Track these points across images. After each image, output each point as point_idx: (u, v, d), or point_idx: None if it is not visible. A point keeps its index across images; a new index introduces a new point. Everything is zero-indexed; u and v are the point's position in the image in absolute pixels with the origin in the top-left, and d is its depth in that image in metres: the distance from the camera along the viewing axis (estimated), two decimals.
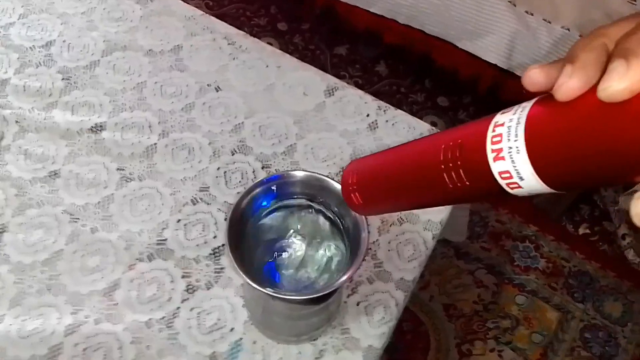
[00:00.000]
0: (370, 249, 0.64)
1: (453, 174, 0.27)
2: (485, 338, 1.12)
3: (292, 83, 0.78)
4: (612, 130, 0.20)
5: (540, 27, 1.07)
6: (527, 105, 0.24)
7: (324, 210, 0.49)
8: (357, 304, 0.60)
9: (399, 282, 0.62)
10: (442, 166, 0.27)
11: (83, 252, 0.61)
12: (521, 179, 0.23)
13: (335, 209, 0.48)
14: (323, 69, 0.82)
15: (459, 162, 0.26)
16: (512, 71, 1.15)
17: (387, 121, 0.75)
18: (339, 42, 1.61)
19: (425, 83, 1.53)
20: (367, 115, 0.76)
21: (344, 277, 0.42)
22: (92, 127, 0.71)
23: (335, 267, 0.49)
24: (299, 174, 0.47)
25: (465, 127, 0.28)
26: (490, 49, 1.13)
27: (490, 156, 0.24)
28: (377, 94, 0.80)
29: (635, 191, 0.20)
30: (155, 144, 0.70)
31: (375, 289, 0.62)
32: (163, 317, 0.57)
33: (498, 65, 1.15)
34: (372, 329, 0.59)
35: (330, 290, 0.42)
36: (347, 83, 0.80)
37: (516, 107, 0.24)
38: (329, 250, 0.50)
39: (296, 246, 0.50)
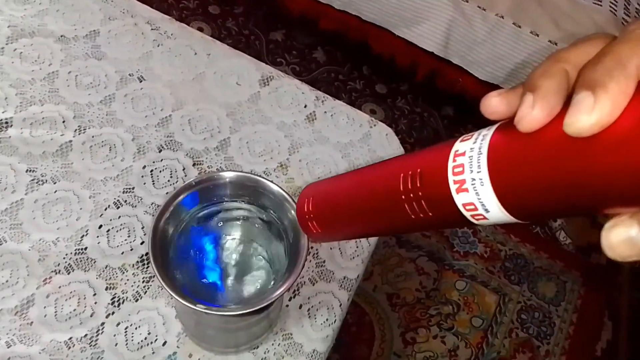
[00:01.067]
0: (312, 247, 0.61)
1: (414, 204, 0.25)
2: (428, 325, 1.14)
3: (224, 72, 0.73)
4: (580, 163, 0.19)
5: (475, 15, 1.08)
6: (487, 133, 0.22)
7: (259, 213, 0.45)
8: (300, 307, 0.57)
9: (342, 281, 0.60)
10: (403, 196, 0.26)
11: None
12: (487, 210, 0.22)
13: (272, 211, 0.45)
14: (258, 55, 0.78)
15: (419, 193, 0.25)
16: (448, 59, 1.15)
17: (325, 112, 0.72)
18: (275, 27, 1.55)
19: (363, 70, 1.51)
20: (305, 106, 0.72)
21: (283, 287, 0.39)
22: None
23: (274, 273, 0.46)
24: (231, 174, 0.43)
25: (424, 153, 0.26)
26: (426, 37, 1.13)
27: (453, 187, 0.23)
28: (315, 82, 0.77)
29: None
30: (70, 141, 0.63)
31: (317, 289, 0.59)
32: (85, 335, 0.52)
33: (435, 53, 1.15)
34: (315, 332, 0.56)
35: (269, 302, 0.39)
36: (284, 70, 0.76)
37: (476, 134, 0.23)
38: (268, 255, 0.46)
39: (232, 252, 0.46)
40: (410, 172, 0.25)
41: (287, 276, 0.41)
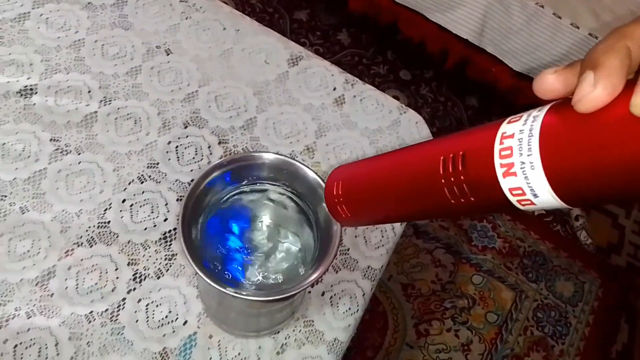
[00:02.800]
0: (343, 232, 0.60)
1: (455, 188, 0.24)
2: (443, 318, 1.12)
3: (252, 49, 0.71)
4: None
5: (513, 2, 1.04)
6: (538, 115, 0.21)
7: (292, 197, 0.43)
8: (322, 294, 0.56)
9: (366, 270, 0.58)
10: (443, 180, 0.25)
11: (11, 235, 0.53)
12: (535, 196, 0.21)
13: (305, 196, 0.43)
14: (282, 34, 0.75)
15: (462, 177, 0.24)
16: (482, 47, 1.12)
17: (354, 96, 0.70)
18: (299, 6, 1.52)
19: (387, 55, 1.48)
20: (334, 89, 0.70)
21: (313, 276, 0.38)
22: (21, 89, 0.62)
23: (302, 259, 0.44)
24: (269, 156, 0.42)
25: (466, 135, 0.25)
26: (461, 23, 1.09)
27: (500, 171, 0.22)
28: (338, 64, 0.74)
29: None
30: (95, 112, 0.62)
31: (340, 277, 0.57)
32: (106, 310, 0.51)
33: (469, 40, 1.11)
34: (337, 321, 0.55)
35: (298, 291, 0.37)
36: (307, 51, 0.74)
37: (525, 115, 0.22)
38: (297, 241, 0.45)
39: (261, 236, 0.44)
40: (451, 155, 0.24)
41: (317, 265, 0.39)
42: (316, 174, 0.42)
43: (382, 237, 0.61)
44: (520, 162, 0.21)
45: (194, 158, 0.61)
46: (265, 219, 0.45)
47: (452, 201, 0.25)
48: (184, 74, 0.67)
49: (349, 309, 0.56)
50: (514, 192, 0.22)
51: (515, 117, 0.22)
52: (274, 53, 0.72)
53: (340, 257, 0.59)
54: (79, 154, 0.59)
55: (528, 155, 0.21)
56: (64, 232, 0.54)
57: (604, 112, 0.19)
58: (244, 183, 0.44)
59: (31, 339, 0.49)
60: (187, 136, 0.63)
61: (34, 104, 0.61)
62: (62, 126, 0.60)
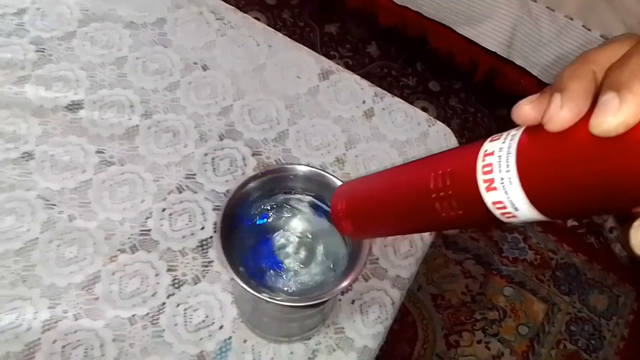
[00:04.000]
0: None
1: (445, 202, 0.26)
2: (473, 329, 1.12)
3: (284, 64, 0.74)
4: (606, 162, 0.19)
5: (543, 15, 1.04)
6: (516, 134, 0.23)
7: (325, 207, 0.45)
8: (352, 302, 0.57)
9: (395, 279, 0.59)
10: (433, 195, 0.26)
11: (59, 241, 0.56)
12: (516, 209, 0.23)
13: None
14: (312, 47, 0.78)
15: (450, 192, 0.26)
16: (511, 60, 1.12)
17: (383, 109, 0.72)
18: (330, 19, 1.55)
19: (417, 66, 1.49)
20: (363, 102, 0.72)
21: (344, 283, 0.39)
22: (68, 104, 0.66)
23: (334, 267, 0.46)
24: (302, 168, 0.44)
25: (454, 153, 0.27)
26: (489, 36, 1.10)
27: (482, 186, 0.24)
28: (367, 76, 0.76)
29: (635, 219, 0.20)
30: (137, 125, 0.65)
31: (370, 286, 0.59)
32: (147, 314, 0.54)
33: (497, 52, 1.11)
34: (366, 328, 0.56)
35: (328, 298, 0.39)
36: (337, 64, 0.76)
37: (505, 134, 0.24)
38: (329, 249, 0.46)
39: (294, 244, 0.46)
40: (440, 172, 0.26)
41: (348, 273, 0.41)
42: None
43: (411, 247, 0.62)
44: (500, 178, 0.23)
45: (228, 169, 0.64)
46: (298, 228, 0.47)
47: (443, 214, 0.26)
48: (220, 88, 0.70)
49: (379, 317, 0.57)
50: (497, 206, 0.23)
51: (497, 136, 0.24)
52: (305, 67, 0.74)
53: (370, 266, 0.60)
54: (122, 165, 0.62)
55: (507, 171, 0.22)
56: (108, 239, 0.57)
57: (570, 132, 0.20)
58: (277, 194, 0.46)
59: (78, 340, 0.52)
60: (222, 148, 0.65)
61: (81, 117, 0.65)
62: (106, 139, 0.64)
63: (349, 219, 0.34)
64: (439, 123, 0.73)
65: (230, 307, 0.55)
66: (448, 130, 0.73)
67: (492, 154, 0.23)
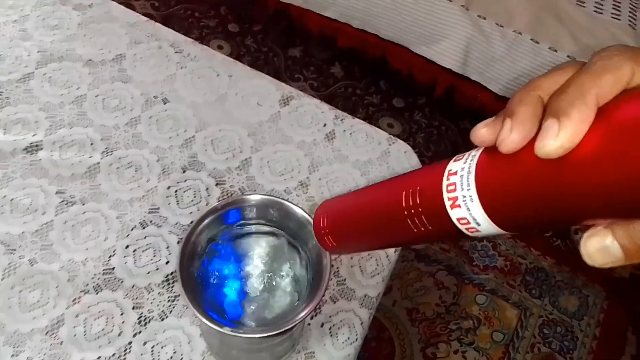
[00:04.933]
0: (332, 265, 0.62)
1: (416, 219, 0.28)
2: (449, 340, 1.13)
3: (245, 93, 0.75)
4: (551, 182, 0.21)
5: (493, 32, 1.08)
6: (476, 154, 0.25)
7: (283, 234, 0.46)
8: (321, 325, 0.58)
9: (363, 299, 0.60)
10: (405, 212, 0.28)
11: (21, 287, 0.56)
12: (478, 224, 0.25)
13: (295, 233, 0.46)
14: (277, 72, 0.79)
15: (419, 209, 0.27)
16: (467, 76, 1.16)
17: (344, 131, 0.73)
18: (293, 43, 1.58)
19: (380, 84, 1.52)
20: (324, 125, 0.73)
21: (306, 311, 0.40)
22: (27, 146, 0.65)
23: (298, 293, 0.46)
24: (256, 197, 0.45)
25: (423, 172, 0.29)
26: (445, 54, 1.13)
27: (447, 204, 0.25)
28: (333, 97, 0.78)
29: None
30: (98, 163, 0.65)
31: (339, 308, 0.59)
32: (114, 354, 0.53)
33: (453, 70, 1.15)
34: (337, 350, 0.57)
35: (291, 325, 0.40)
36: (302, 86, 0.77)
37: (467, 154, 0.26)
38: (291, 275, 0.47)
39: (257, 272, 0.47)
40: (410, 190, 0.28)
41: (310, 299, 0.42)
42: (304, 211, 0.44)
43: (377, 265, 0.63)
44: (462, 196, 0.25)
45: (192, 200, 0.64)
46: (260, 257, 0.47)
47: (415, 230, 0.28)
48: (182, 121, 0.71)
49: (348, 338, 0.58)
50: (461, 222, 0.25)
51: (460, 156, 0.26)
52: (266, 95, 0.75)
53: (338, 287, 0.61)
54: (84, 204, 0.62)
55: (467, 189, 0.24)
56: (71, 281, 0.57)
57: (520, 153, 0.22)
58: (237, 224, 0.46)
59: None
60: (185, 180, 0.66)
61: (40, 159, 0.65)
62: (67, 178, 0.63)
63: (331, 235, 0.36)
64: (399, 141, 0.75)
65: (199, 340, 0.55)
66: (408, 147, 0.75)
67: (455, 173, 0.25)
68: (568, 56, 1.03)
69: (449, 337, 1.13)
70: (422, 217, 0.27)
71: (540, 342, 1.16)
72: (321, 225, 0.36)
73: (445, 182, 0.26)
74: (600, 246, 0.21)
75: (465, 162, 0.25)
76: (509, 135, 0.22)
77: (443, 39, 1.12)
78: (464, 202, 0.24)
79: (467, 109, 1.28)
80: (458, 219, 0.25)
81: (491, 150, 0.24)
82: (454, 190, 0.25)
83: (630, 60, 0.21)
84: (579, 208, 0.20)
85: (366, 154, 0.72)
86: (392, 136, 0.75)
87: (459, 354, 1.12)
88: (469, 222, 0.25)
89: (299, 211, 0.45)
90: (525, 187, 0.22)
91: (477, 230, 0.25)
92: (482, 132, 0.24)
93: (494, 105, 1.16)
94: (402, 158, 0.73)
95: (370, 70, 1.52)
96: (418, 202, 0.27)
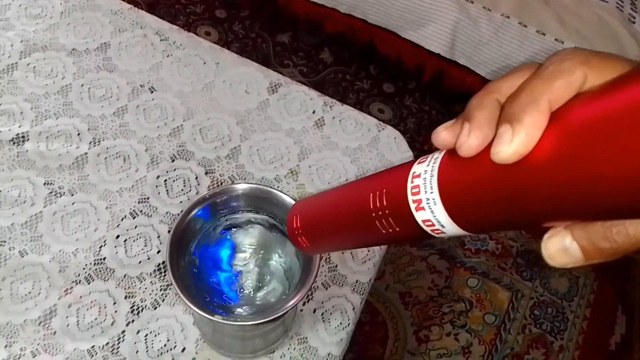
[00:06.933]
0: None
1: (383, 221, 0.28)
2: (441, 323, 1.14)
3: (233, 80, 0.74)
4: (507, 185, 0.21)
5: (481, 15, 1.08)
6: (438, 157, 0.25)
7: (273, 222, 0.46)
8: (314, 311, 0.58)
9: (355, 285, 0.61)
10: (373, 214, 0.28)
11: (12, 278, 0.56)
12: (442, 226, 0.25)
13: (285, 220, 0.46)
14: (266, 58, 0.79)
15: (386, 211, 0.27)
16: (455, 60, 1.15)
17: (333, 117, 0.73)
18: (281, 29, 1.56)
19: (370, 70, 1.52)
20: (313, 112, 0.73)
21: (296, 298, 0.40)
22: (13, 138, 0.65)
23: (289, 280, 0.47)
24: (244, 186, 0.45)
25: (389, 173, 0.29)
26: (432, 39, 1.13)
27: (412, 206, 0.25)
28: (322, 83, 0.78)
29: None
30: (85, 153, 0.65)
31: (330, 294, 0.60)
32: (107, 343, 0.53)
33: (441, 54, 1.15)
34: (329, 336, 0.57)
35: (282, 312, 0.40)
36: (292, 72, 0.77)
37: (430, 157, 0.26)
38: (282, 262, 0.47)
39: (247, 260, 0.47)
40: (377, 192, 0.28)
41: (301, 286, 0.42)
42: (292, 198, 0.44)
43: (369, 251, 0.64)
44: (426, 199, 0.25)
45: (182, 190, 0.64)
46: (250, 245, 0.47)
47: (384, 231, 0.28)
48: (169, 110, 0.70)
49: (340, 323, 0.58)
50: (426, 224, 0.25)
51: (423, 158, 0.26)
52: (254, 82, 0.75)
53: (329, 273, 0.61)
54: (72, 195, 0.61)
55: (430, 192, 0.24)
56: (63, 272, 0.56)
57: (479, 157, 0.22)
58: (226, 213, 0.46)
59: None
60: (174, 169, 0.65)
61: (27, 150, 0.64)
62: (54, 170, 0.63)
63: (304, 236, 0.36)
64: (389, 127, 0.75)
65: (192, 328, 0.55)
66: (398, 133, 0.75)
67: (419, 176, 0.25)
68: (555, 39, 1.03)
69: (442, 319, 1.15)
70: (389, 218, 0.27)
71: (531, 324, 1.17)
72: (294, 225, 0.36)
73: (409, 185, 0.26)
74: (560, 247, 0.21)
75: (428, 165, 0.25)
76: (467, 139, 0.22)
77: (430, 23, 1.11)
78: (428, 205, 0.25)
79: (456, 93, 1.28)
80: (423, 221, 0.25)
81: (452, 153, 0.24)
82: (418, 192, 0.25)
83: (582, 65, 0.20)
84: (537, 211, 0.21)
85: (356, 141, 0.72)
86: (381, 122, 0.75)
87: (452, 336, 1.13)
88: (433, 224, 0.25)
89: (287, 199, 0.45)
90: (485, 191, 0.22)
91: (442, 232, 0.25)
92: (442, 135, 0.24)
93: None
94: (392, 144, 0.73)
95: (360, 55, 1.51)
96: (384, 204, 0.27)
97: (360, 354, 1.09)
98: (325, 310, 0.59)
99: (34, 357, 0.52)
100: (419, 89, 1.50)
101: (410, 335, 1.12)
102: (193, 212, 0.43)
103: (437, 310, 1.16)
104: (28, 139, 0.65)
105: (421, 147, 1.42)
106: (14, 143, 0.64)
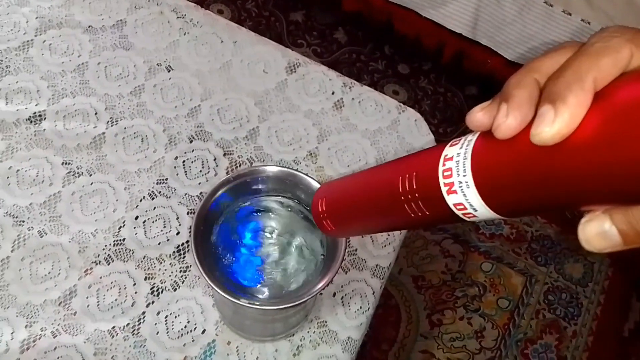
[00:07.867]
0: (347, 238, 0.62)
1: (413, 204, 0.27)
2: (454, 307, 1.14)
3: (251, 60, 0.73)
4: (548, 168, 0.21)
5: None
6: (472, 139, 0.24)
7: (298, 205, 0.45)
8: (333, 295, 0.58)
9: (375, 269, 0.60)
10: (402, 197, 0.28)
11: (32, 258, 0.55)
12: (475, 209, 0.24)
13: (309, 203, 0.45)
14: (279, 37, 0.77)
15: (416, 194, 0.27)
16: (477, 40, 1.13)
17: (353, 99, 0.72)
18: (295, 7, 1.53)
19: (385, 50, 1.49)
20: (332, 93, 0.72)
21: (322, 282, 0.40)
22: (30, 116, 0.64)
23: (313, 264, 0.46)
24: (272, 169, 0.44)
25: (419, 156, 0.28)
26: (454, 18, 1.10)
27: (444, 189, 0.25)
28: (336, 63, 0.76)
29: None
30: (103, 133, 0.64)
31: (350, 278, 0.59)
32: (127, 324, 0.53)
33: (463, 34, 1.12)
34: (349, 320, 0.57)
35: (308, 298, 0.39)
36: (306, 52, 0.75)
37: (463, 139, 0.25)
38: (306, 246, 0.47)
39: (271, 243, 0.46)
40: (407, 175, 0.27)
41: (326, 271, 0.41)
42: (317, 181, 0.43)
43: (389, 235, 0.63)
44: (458, 182, 0.24)
45: (200, 171, 0.63)
46: (274, 228, 0.47)
47: (412, 215, 0.28)
48: (186, 89, 0.69)
49: (360, 307, 0.58)
50: (457, 207, 0.25)
51: (456, 141, 0.25)
52: (272, 62, 0.73)
53: (349, 257, 0.61)
54: (91, 175, 0.61)
55: (464, 175, 0.24)
56: (82, 252, 0.56)
57: (517, 138, 0.21)
58: (250, 195, 0.46)
59: (58, 357, 0.51)
60: (192, 150, 0.65)
61: (44, 129, 0.63)
62: (72, 149, 0.62)
63: (330, 219, 0.36)
64: (409, 109, 0.73)
65: (212, 310, 0.55)
66: (418, 116, 0.73)
67: (451, 158, 0.25)
68: (582, 20, 1.00)
69: (455, 304, 1.15)
70: (419, 202, 0.27)
71: (545, 309, 1.17)
72: (319, 209, 0.36)
73: (441, 168, 0.25)
74: (599, 231, 0.20)
75: (461, 147, 0.24)
76: (505, 120, 0.21)
77: (452, 1, 1.08)
78: (460, 188, 0.24)
79: (475, 74, 1.25)
80: (454, 205, 0.25)
81: (488, 135, 0.23)
82: (450, 176, 0.24)
83: (629, 42, 0.20)
84: (576, 194, 0.20)
85: (375, 123, 0.71)
86: (401, 104, 0.73)
87: (465, 320, 1.13)
88: (465, 208, 0.24)
89: (312, 182, 0.44)
90: (522, 173, 0.22)
91: (474, 216, 0.25)
92: (478, 117, 0.23)
93: (505, 71, 1.14)
94: (413, 127, 0.71)
95: (375, 35, 1.48)
96: (415, 187, 0.27)
97: (374, 337, 1.09)
98: (345, 294, 0.58)
99: (54, 337, 0.52)
100: (434, 70, 1.47)
101: (423, 319, 1.12)
102: (218, 194, 0.42)
103: (451, 294, 1.16)
104: (45, 118, 0.64)
105: (436, 129, 1.40)
106: (31, 122, 0.64)
